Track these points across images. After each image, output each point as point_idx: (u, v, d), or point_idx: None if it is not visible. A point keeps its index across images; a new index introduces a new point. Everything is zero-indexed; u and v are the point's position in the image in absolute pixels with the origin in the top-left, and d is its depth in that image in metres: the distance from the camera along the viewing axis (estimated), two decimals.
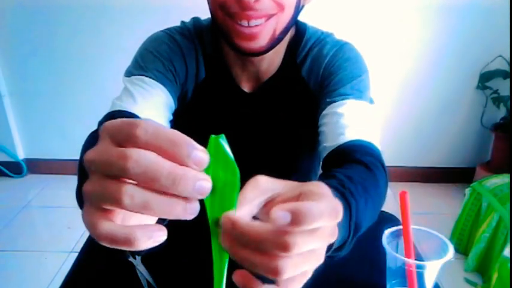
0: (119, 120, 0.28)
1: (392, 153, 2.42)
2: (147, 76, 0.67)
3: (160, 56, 0.70)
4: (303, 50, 0.74)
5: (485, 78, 2.23)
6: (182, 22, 0.78)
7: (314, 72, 0.74)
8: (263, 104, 0.77)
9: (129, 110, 0.61)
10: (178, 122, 0.73)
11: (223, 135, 0.29)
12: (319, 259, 0.32)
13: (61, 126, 2.50)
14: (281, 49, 0.73)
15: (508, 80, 2.17)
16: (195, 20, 0.78)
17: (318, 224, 0.28)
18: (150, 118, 0.59)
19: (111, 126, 0.28)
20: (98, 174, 0.27)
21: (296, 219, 0.27)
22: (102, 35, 2.25)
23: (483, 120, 2.34)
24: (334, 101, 0.67)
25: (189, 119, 0.75)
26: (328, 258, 0.37)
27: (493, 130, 2.29)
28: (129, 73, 0.70)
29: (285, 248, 0.27)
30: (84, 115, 2.47)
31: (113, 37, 2.24)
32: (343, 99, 0.67)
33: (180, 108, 0.74)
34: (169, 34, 0.74)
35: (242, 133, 0.76)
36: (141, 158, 0.25)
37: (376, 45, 2.16)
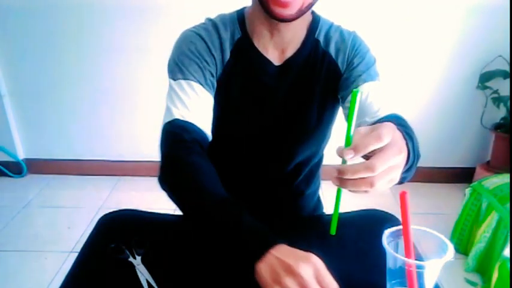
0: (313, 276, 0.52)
1: None
2: (191, 80, 0.80)
3: (193, 56, 0.82)
4: (321, 31, 0.88)
5: (485, 78, 2.23)
6: (207, 18, 0.88)
7: (342, 51, 0.87)
8: (291, 75, 0.87)
9: (185, 119, 0.77)
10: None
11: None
12: (398, 170, 0.54)
13: (61, 126, 2.50)
14: (303, 28, 0.86)
15: (508, 80, 2.17)
16: (220, 14, 0.89)
17: (368, 149, 0.50)
18: (200, 121, 0.78)
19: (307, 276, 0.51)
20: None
21: (356, 150, 0.50)
22: (101, 35, 2.25)
23: (483, 120, 2.34)
24: (366, 81, 0.82)
25: (221, 92, 0.86)
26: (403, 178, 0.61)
27: (493, 130, 2.29)
28: (174, 75, 0.82)
29: (372, 170, 0.49)
30: (84, 115, 2.48)
31: (113, 37, 2.24)
32: (372, 80, 0.83)
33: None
34: (195, 32, 0.84)
35: (270, 103, 0.88)
36: None
37: (375, 45, 2.16)
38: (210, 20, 0.87)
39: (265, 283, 0.54)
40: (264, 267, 0.55)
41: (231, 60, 0.85)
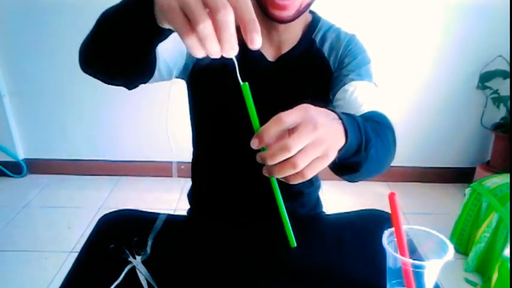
0: None
1: None
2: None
3: None
4: (319, 31, 0.90)
5: (485, 78, 2.23)
6: None
7: (335, 50, 0.88)
8: (284, 72, 0.88)
9: None
10: (202, 80, 0.88)
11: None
12: (323, 145, 0.48)
13: (61, 126, 2.50)
14: (300, 27, 0.88)
15: (508, 80, 2.17)
16: None
17: (271, 134, 0.47)
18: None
19: None
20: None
21: (259, 137, 0.48)
22: None
23: (483, 120, 2.34)
24: (353, 79, 0.83)
25: (211, 79, 0.87)
26: (347, 161, 0.57)
27: (493, 130, 2.29)
28: None
29: (287, 149, 0.46)
30: (84, 115, 2.48)
31: None
32: (360, 80, 0.83)
33: (202, 69, 0.86)
34: None
35: (261, 96, 0.85)
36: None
37: (375, 46, 2.16)
38: None
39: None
40: None
41: None
